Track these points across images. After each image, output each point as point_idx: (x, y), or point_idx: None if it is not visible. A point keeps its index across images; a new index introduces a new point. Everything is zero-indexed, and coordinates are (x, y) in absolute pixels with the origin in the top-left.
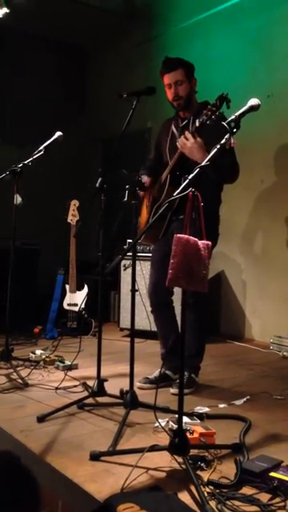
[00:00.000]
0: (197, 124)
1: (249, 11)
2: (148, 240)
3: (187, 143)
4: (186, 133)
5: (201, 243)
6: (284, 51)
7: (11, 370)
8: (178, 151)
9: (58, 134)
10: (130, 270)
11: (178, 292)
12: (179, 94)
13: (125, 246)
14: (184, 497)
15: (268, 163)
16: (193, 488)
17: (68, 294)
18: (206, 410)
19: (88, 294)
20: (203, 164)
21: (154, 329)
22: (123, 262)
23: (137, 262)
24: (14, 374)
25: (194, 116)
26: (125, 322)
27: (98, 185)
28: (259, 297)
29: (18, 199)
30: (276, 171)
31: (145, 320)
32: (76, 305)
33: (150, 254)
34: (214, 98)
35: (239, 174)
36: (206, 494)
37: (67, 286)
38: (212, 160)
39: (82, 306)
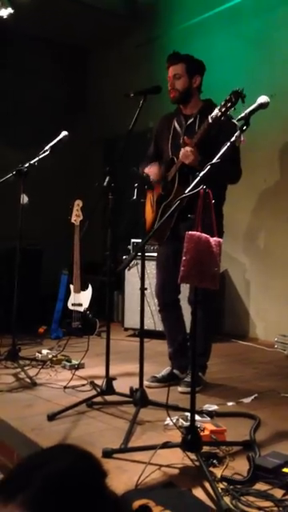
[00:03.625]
0: (209, 120)
1: (250, 12)
2: (154, 239)
3: (190, 155)
4: (188, 148)
5: (212, 240)
6: (286, 51)
7: (19, 370)
8: (179, 160)
9: (64, 133)
10: (133, 270)
11: (183, 291)
12: (175, 87)
13: (129, 246)
14: (198, 493)
15: (271, 162)
16: (206, 484)
17: (72, 294)
18: (214, 407)
19: (93, 294)
20: (214, 161)
21: (159, 328)
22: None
23: (139, 261)
24: (22, 373)
25: (199, 114)
26: (129, 321)
27: (105, 184)
28: (263, 296)
29: (24, 199)
30: (279, 170)
31: (149, 319)
32: (80, 305)
33: (155, 254)
34: (219, 96)
35: (241, 176)
36: (220, 490)
37: (71, 286)
38: (222, 157)
39: (87, 305)
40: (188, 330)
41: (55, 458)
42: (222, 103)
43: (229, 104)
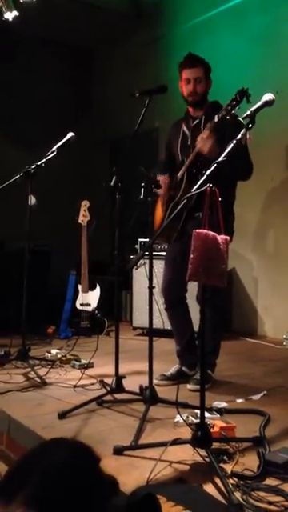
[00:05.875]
0: (215, 119)
1: (256, 8)
2: (163, 239)
3: (208, 141)
4: (205, 131)
5: (220, 238)
6: None
7: (29, 369)
8: (195, 149)
9: (70, 134)
10: (141, 269)
11: (190, 290)
12: (197, 91)
13: (136, 245)
14: (209, 488)
15: (278, 160)
16: (217, 480)
17: (80, 293)
18: (224, 405)
19: (101, 294)
20: (220, 160)
21: (168, 327)
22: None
23: (147, 260)
24: (32, 373)
25: (205, 115)
26: (137, 320)
27: (112, 183)
28: (271, 293)
29: (32, 200)
30: (286, 168)
31: (158, 318)
32: (88, 305)
33: (163, 253)
34: (226, 94)
35: (252, 171)
36: (230, 486)
37: (79, 286)
38: (228, 155)
39: (95, 305)
40: (196, 328)
41: (49, 453)
42: (228, 102)
43: (234, 103)
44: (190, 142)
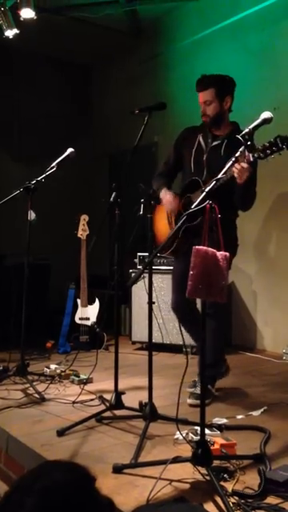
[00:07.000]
0: (251, 158)
1: (253, 26)
2: (170, 253)
3: (245, 171)
4: (243, 164)
5: (219, 254)
6: None
7: (27, 385)
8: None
9: (70, 150)
10: (140, 284)
11: (198, 301)
12: (206, 113)
13: (135, 260)
14: (209, 507)
15: (277, 175)
16: (218, 499)
17: (80, 308)
18: (224, 421)
19: (100, 308)
20: (219, 176)
21: (167, 341)
22: (133, 276)
23: (147, 274)
24: (31, 388)
25: (227, 139)
26: (137, 335)
27: (112, 199)
28: (270, 307)
29: (31, 215)
30: (285, 182)
31: (157, 332)
32: (88, 319)
33: (162, 267)
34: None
35: (254, 201)
36: (231, 505)
37: (79, 301)
38: (227, 172)
39: (94, 320)
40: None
41: (46, 474)
42: (266, 145)
43: (274, 149)
44: (205, 159)
